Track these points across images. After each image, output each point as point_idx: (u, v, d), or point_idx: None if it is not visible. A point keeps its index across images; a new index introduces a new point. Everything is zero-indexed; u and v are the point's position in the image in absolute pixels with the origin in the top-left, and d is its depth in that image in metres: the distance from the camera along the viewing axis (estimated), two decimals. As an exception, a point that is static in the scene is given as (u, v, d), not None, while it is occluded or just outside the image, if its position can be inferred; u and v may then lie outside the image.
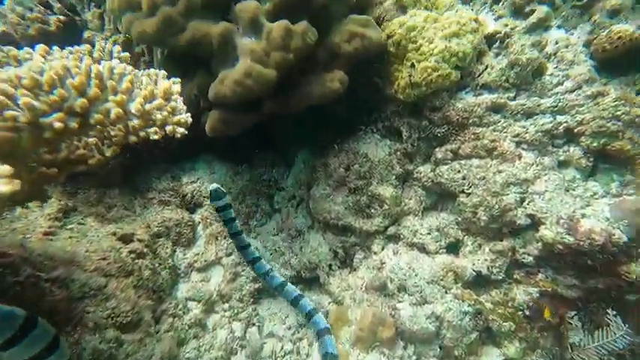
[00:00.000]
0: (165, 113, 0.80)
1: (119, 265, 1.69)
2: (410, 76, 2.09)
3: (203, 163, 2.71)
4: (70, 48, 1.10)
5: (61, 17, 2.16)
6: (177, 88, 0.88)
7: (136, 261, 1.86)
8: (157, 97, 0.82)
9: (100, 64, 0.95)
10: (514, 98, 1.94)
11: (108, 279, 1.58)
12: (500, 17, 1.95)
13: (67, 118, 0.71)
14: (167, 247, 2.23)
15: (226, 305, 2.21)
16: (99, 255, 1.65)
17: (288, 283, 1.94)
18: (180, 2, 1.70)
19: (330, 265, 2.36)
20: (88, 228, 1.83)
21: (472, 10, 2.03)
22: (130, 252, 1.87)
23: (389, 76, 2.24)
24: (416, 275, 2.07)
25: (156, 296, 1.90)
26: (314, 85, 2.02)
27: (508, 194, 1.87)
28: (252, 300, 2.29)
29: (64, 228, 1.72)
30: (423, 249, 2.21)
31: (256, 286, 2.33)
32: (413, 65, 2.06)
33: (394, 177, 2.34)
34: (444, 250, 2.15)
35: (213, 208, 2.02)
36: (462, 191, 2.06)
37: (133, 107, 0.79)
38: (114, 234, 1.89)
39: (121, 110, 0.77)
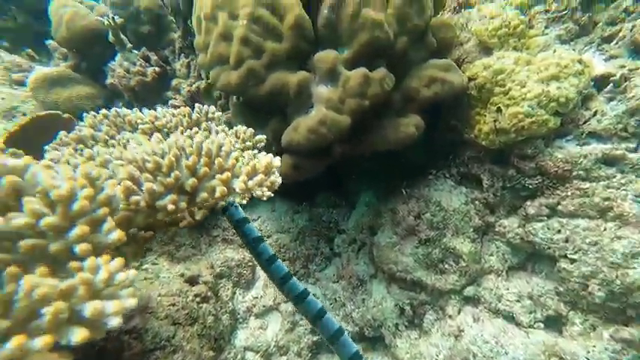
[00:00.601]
0: (265, 189, 0.76)
1: (186, 312, 1.67)
2: (495, 121, 1.89)
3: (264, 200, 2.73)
4: (172, 110, 1.16)
5: (157, 69, 2.40)
6: (277, 163, 0.84)
7: (201, 305, 1.84)
8: (258, 173, 0.78)
9: (199, 128, 0.96)
10: (635, 150, 1.62)
11: (176, 328, 1.56)
12: (612, 57, 1.69)
13: (179, 199, 0.69)
14: (228, 289, 2.20)
15: (284, 358, 2.07)
16: (169, 300, 1.65)
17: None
18: (264, 55, 1.76)
19: (396, 325, 2.12)
20: (160, 268, 1.87)
21: (574, 50, 1.80)
22: (196, 295, 1.86)
23: (468, 119, 2.06)
24: (506, 354, 1.74)
25: (217, 345, 1.83)
26: (388, 129, 1.93)
27: (635, 268, 1.51)
28: (310, 354, 2.13)
29: (140, 268, 1.77)
30: (511, 319, 1.88)
31: (314, 338, 2.17)
32: (499, 110, 1.87)
33: (472, 229, 2.08)
34: (541, 325, 1.79)
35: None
36: (565, 256, 1.74)
37: (237, 186, 0.75)
38: (182, 275, 1.91)
39: (225, 189, 0.74)
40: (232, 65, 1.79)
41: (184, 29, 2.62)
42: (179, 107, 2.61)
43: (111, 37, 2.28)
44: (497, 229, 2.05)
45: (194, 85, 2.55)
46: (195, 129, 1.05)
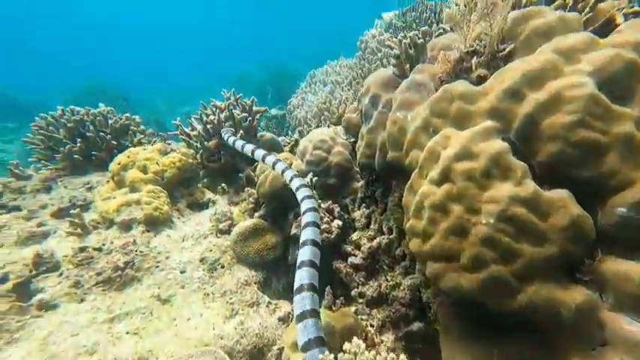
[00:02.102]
0: None
1: None
2: None
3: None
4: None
5: (339, 222, 2.34)
6: None
7: None
8: None
9: None
10: None
11: None
12: None
13: None
14: None
15: None
16: None
17: None
18: (517, 261, 1.32)
19: None
20: None
21: None
22: None
23: None
24: None
25: None
26: None
27: None
28: None
29: None
30: None
31: None
32: None
33: None
34: None
35: None
36: None
37: None
38: None
39: None
40: (467, 266, 1.41)
41: (368, 181, 2.58)
42: (359, 265, 2.42)
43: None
44: None
45: (375, 241, 2.34)
46: None
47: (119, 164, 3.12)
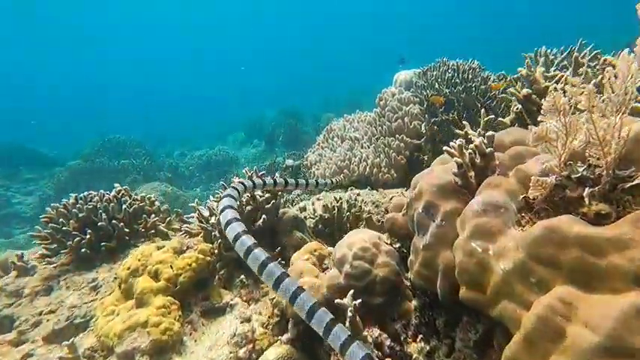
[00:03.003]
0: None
1: None
2: None
3: None
4: None
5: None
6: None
7: None
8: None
9: None
10: None
11: None
12: None
13: None
14: None
15: None
16: None
17: None
18: None
19: None
20: None
21: None
22: None
23: None
24: None
25: None
26: None
27: None
28: None
29: None
30: None
31: None
32: None
33: None
34: None
35: None
36: None
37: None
38: None
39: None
40: None
41: (424, 303, 2.07)
42: None
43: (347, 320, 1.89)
44: None
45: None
46: None
47: (128, 269, 2.75)
